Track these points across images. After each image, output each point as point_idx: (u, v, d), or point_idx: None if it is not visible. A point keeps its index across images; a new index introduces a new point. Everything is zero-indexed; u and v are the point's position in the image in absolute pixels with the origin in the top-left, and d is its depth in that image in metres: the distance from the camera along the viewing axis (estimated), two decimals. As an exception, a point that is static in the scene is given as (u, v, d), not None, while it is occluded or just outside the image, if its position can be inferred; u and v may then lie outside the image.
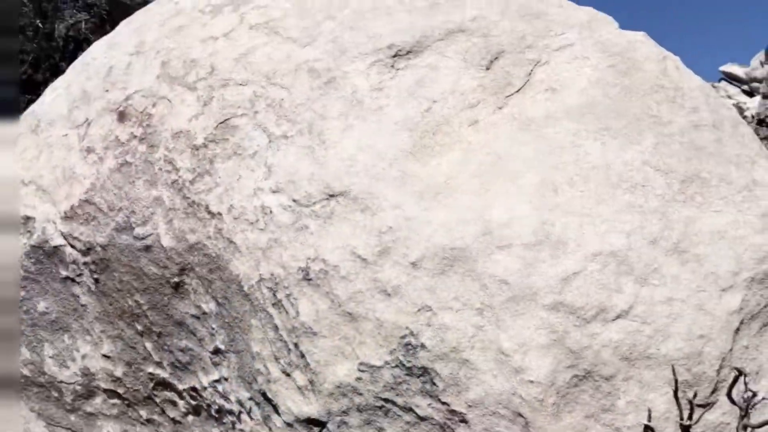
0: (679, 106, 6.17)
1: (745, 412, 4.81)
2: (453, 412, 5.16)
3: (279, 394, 5.75)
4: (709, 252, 5.43)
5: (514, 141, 5.88)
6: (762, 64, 13.72)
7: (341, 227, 5.63)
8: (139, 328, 6.66)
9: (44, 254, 7.12)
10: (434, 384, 5.18)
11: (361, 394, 5.40)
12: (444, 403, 5.18)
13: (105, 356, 6.93)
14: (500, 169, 5.71)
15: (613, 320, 5.10)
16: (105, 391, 7.05)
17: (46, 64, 20.23)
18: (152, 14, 8.10)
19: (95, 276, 6.81)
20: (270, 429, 5.88)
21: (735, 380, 4.83)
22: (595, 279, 5.22)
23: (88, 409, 7.21)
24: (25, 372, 7.38)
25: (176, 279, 6.34)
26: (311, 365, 5.48)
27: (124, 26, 8.32)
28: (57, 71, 19.05)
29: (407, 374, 5.23)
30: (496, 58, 6.45)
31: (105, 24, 19.73)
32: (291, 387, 5.69)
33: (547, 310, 5.13)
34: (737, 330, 5.24)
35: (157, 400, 6.81)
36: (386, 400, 5.35)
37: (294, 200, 5.82)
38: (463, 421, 5.14)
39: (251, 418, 6.04)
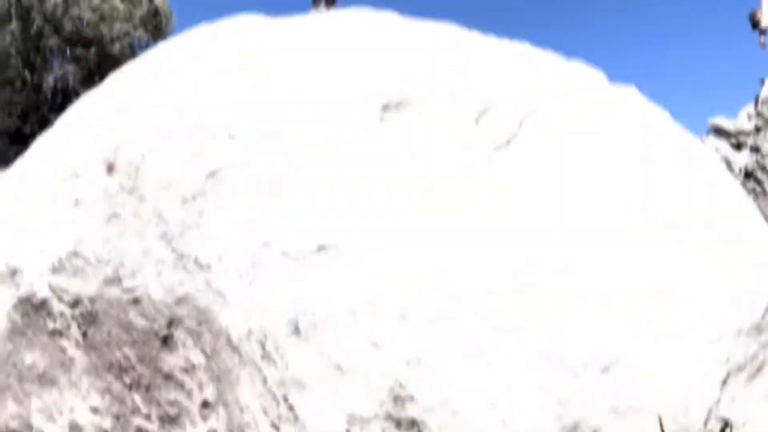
0: (667, 159, 6.23)
1: (732, 463, 4.81)
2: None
3: (268, 447, 5.73)
4: (697, 303, 5.46)
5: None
6: (750, 117, 13.82)
7: (332, 278, 5.63)
8: (128, 381, 6.62)
9: (32, 307, 7.09)
10: (424, 436, 5.16)
11: (350, 447, 5.38)
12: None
13: (93, 409, 6.88)
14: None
15: (602, 371, 5.11)
16: (93, 444, 7.01)
17: (35, 116, 20.28)
18: (141, 67, 8.17)
19: (83, 329, 6.79)
20: (259, 482, 5.85)
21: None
22: (585, 328, 5.23)
23: (76, 462, 7.17)
24: (12, 425, 7.32)
25: (165, 331, 6.31)
26: (300, 418, 5.45)
27: (112, 78, 8.38)
28: (45, 123, 19.08)
29: (396, 426, 5.21)
30: (487, 108, 6.51)
31: (94, 76, 19.80)
32: (280, 440, 5.66)
33: (535, 358, 5.14)
34: (724, 381, 5.25)
35: (146, 453, 6.77)
36: (376, 453, 5.33)
37: (284, 252, 5.82)
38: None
39: (240, 471, 6.01)
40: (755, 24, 13.96)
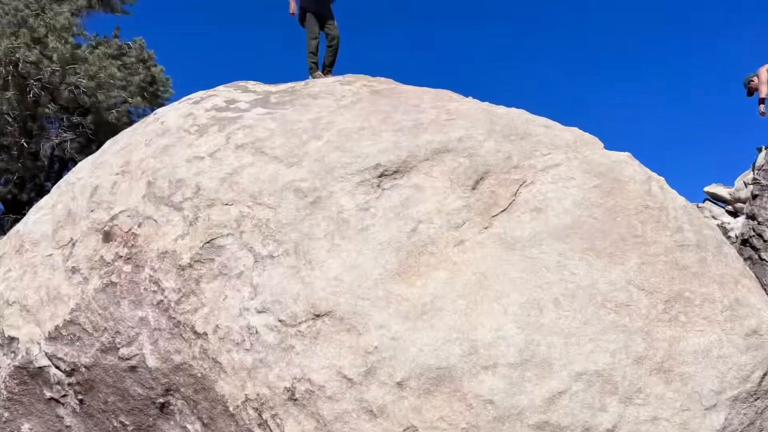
0: (664, 226, 6.24)
1: None
2: None
3: None
4: (693, 371, 5.46)
5: (500, 261, 5.92)
6: (746, 184, 13.88)
7: (327, 347, 5.61)
8: (124, 449, 6.59)
9: (28, 375, 7.06)
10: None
11: None
12: None
13: (89, 478, 6.84)
14: (486, 289, 5.74)
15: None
16: None
17: (31, 184, 20.28)
18: (138, 134, 8.18)
19: (80, 397, 6.76)
20: None
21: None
22: (580, 398, 5.22)
23: None
24: (7, 495, 7.26)
25: (161, 399, 6.29)
26: (297, 486, 5.42)
27: (109, 146, 8.40)
28: (42, 191, 19.10)
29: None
30: (482, 178, 6.53)
31: (91, 143, 19.84)
32: None
33: (532, 429, 5.11)
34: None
35: None
36: None
37: (280, 320, 5.81)
38: None
39: None
40: (750, 91, 14.01)
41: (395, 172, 6.54)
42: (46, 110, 19.83)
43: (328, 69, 11.40)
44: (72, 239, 7.28)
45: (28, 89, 18.80)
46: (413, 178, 6.51)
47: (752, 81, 13.74)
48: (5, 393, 7.13)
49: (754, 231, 10.45)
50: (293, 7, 11.57)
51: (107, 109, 20.10)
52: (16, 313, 7.22)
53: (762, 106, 13.43)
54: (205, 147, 7.32)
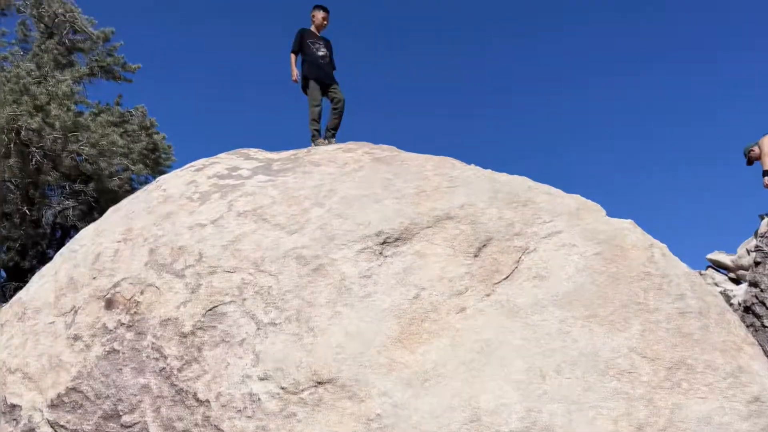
0: (666, 293, 6.25)
1: None
2: None
3: None
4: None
5: (502, 328, 5.93)
6: (748, 252, 13.91)
7: (329, 414, 5.60)
8: None
9: (30, 443, 7.02)
10: None
11: None
12: None
13: None
14: (488, 356, 5.74)
15: None
16: None
17: (33, 251, 20.28)
18: (140, 201, 8.22)
19: (80, 465, 6.71)
20: None
21: None
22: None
23: None
24: None
25: (163, 467, 6.25)
26: None
27: (111, 213, 8.43)
28: (44, 258, 19.10)
29: None
30: (485, 245, 6.55)
31: (92, 211, 19.90)
32: None
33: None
34: None
35: None
36: None
37: (282, 387, 5.80)
38: None
39: None
40: (750, 161, 14.11)
41: (397, 239, 6.56)
42: (48, 178, 19.88)
43: (332, 132, 11.42)
44: (74, 306, 7.28)
45: (30, 157, 18.86)
46: (415, 246, 6.53)
47: (752, 150, 13.85)
48: (7, 460, 7.08)
49: (757, 298, 10.44)
50: (296, 74, 11.63)
51: (109, 177, 20.16)
52: (18, 381, 7.19)
53: (766, 178, 13.52)
54: (207, 214, 7.36)
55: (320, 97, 11.50)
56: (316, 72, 11.61)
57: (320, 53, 11.77)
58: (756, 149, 13.88)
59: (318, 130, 11.31)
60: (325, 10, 12.14)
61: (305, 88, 11.61)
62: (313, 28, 12.02)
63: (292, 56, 11.76)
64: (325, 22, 12.12)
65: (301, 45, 11.76)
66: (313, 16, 12.11)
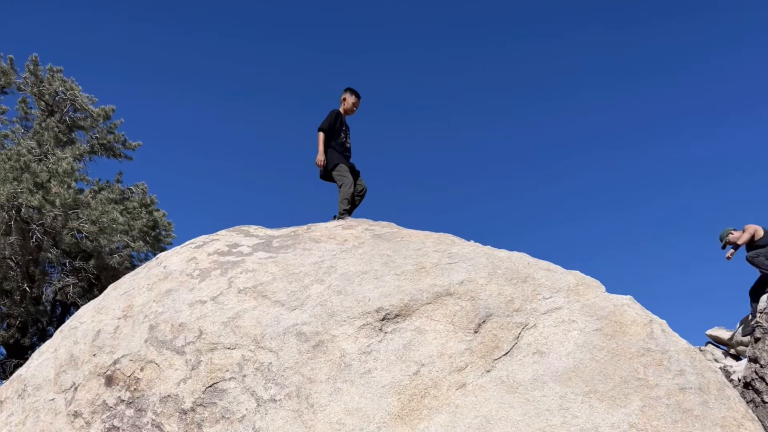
0: (666, 369, 6.24)
1: None
2: None
3: None
4: None
5: (502, 404, 5.92)
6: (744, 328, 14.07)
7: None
8: None
9: None
10: None
11: None
12: None
13: None
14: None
15: None
16: None
17: (34, 328, 20.29)
18: (140, 278, 8.25)
19: None
20: None
21: None
22: None
23: None
24: None
25: None
26: None
27: (111, 290, 8.46)
28: (44, 335, 19.13)
29: None
30: (484, 321, 6.55)
31: (93, 288, 19.92)
32: None
33: None
34: None
35: None
36: None
37: (285, 467, 5.79)
38: None
39: None
40: (724, 245, 14.52)
41: (397, 315, 6.58)
42: (49, 255, 19.94)
43: (347, 214, 10.73)
44: (74, 383, 7.28)
45: (30, 234, 18.94)
46: (415, 322, 6.55)
47: (731, 234, 14.28)
48: None
49: (757, 374, 10.45)
50: (323, 159, 10.98)
51: (109, 254, 20.23)
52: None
53: (730, 251, 14.05)
54: (207, 291, 7.38)
55: (352, 180, 10.92)
56: (344, 158, 11.12)
57: (348, 144, 11.36)
58: (733, 233, 14.36)
59: (348, 211, 10.72)
60: (357, 96, 11.60)
61: (332, 170, 11.01)
62: (341, 110, 11.48)
63: (321, 135, 11.08)
64: (355, 109, 11.61)
65: (332, 128, 11.17)
66: (344, 99, 11.58)
